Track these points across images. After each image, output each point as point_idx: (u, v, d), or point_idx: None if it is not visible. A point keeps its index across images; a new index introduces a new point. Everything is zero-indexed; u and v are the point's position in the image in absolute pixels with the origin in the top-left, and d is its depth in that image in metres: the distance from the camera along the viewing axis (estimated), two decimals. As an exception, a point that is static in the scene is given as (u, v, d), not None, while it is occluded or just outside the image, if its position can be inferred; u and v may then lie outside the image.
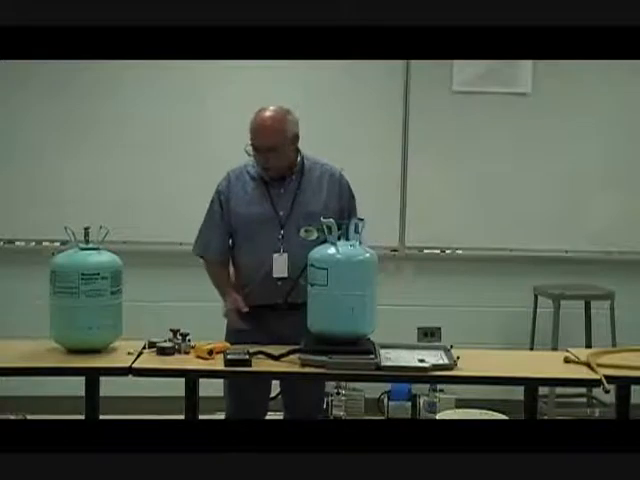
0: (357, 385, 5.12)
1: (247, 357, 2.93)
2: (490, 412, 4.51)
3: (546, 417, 4.76)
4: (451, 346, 3.08)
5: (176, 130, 5.05)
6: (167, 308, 4.97)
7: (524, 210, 5.16)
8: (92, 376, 2.98)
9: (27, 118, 5.02)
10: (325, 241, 3.07)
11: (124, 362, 2.96)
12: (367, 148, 5.09)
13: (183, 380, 3.02)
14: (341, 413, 5.07)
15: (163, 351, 3.05)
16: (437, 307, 5.17)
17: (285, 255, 3.29)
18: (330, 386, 5.06)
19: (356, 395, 5.16)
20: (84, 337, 3.02)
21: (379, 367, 2.90)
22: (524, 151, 5.16)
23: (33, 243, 5.15)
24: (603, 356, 3.08)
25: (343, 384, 5.08)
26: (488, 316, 5.18)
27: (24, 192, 5.06)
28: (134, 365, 2.95)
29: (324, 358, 2.91)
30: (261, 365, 2.96)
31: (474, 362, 3.00)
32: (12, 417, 4.54)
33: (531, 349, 4.99)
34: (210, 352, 3.01)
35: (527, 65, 5.09)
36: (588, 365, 2.97)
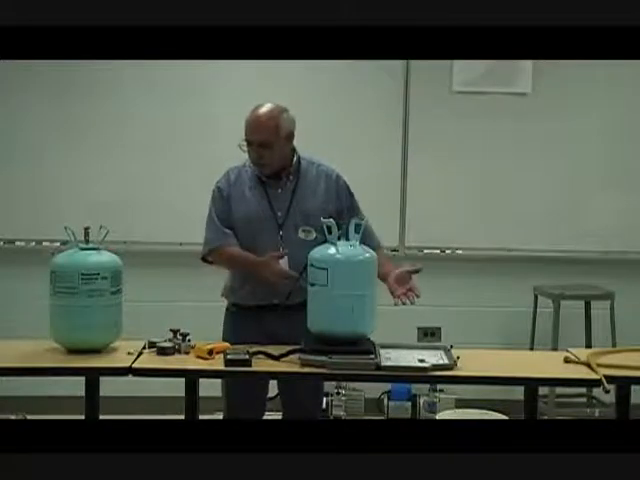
0: (357, 385, 5.12)
1: (247, 357, 2.93)
2: (490, 412, 4.51)
3: (546, 417, 4.76)
4: (451, 346, 3.08)
5: (176, 130, 5.05)
6: (167, 308, 4.97)
7: (524, 210, 5.17)
8: (92, 376, 2.98)
9: (27, 118, 5.03)
10: (325, 241, 3.07)
11: (124, 362, 2.96)
12: (367, 148, 5.10)
13: (183, 380, 3.02)
14: (341, 413, 5.07)
15: (163, 351, 3.05)
16: (437, 307, 5.17)
17: (285, 256, 3.29)
18: (330, 386, 5.06)
19: (356, 395, 5.16)
20: (84, 337, 3.02)
21: (379, 367, 2.90)
22: (524, 151, 5.16)
23: (33, 243, 5.15)
24: (603, 356, 3.08)
25: (343, 384, 5.08)
26: (488, 316, 5.18)
27: (24, 192, 5.06)
28: (134, 365, 2.94)
29: (324, 358, 2.91)
30: (261, 365, 2.96)
31: (474, 362, 3.00)
32: (12, 417, 4.54)
33: (531, 349, 4.99)
34: (210, 352, 3.00)
35: (527, 65, 5.09)
36: (588, 365, 2.97)
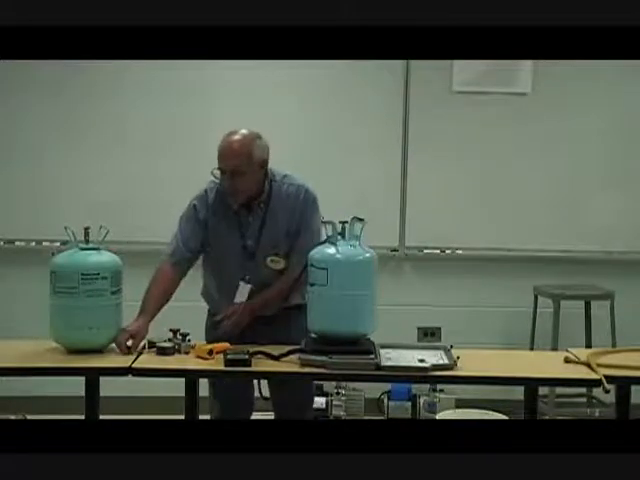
0: (357, 385, 5.12)
1: (247, 357, 2.93)
2: (490, 412, 4.51)
3: (546, 417, 4.76)
4: (451, 346, 3.08)
5: (176, 130, 5.05)
6: (167, 308, 4.96)
7: (524, 210, 5.17)
8: (92, 376, 2.98)
9: (27, 118, 5.03)
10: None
11: (124, 362, 2.96)
12: (367, 148, 5.10)
13: (183, 380, 3.02)
14: (341, 413, 5.07)
15: (163, 351, 3.05)
16: (437, 307, 5.18)
17: (249, 286, 3.28)
18: (330, 386, 5.07)
19: (356, 395, 5.16)
20: (84, 337, 3.02)
21: (379, 367, 2.90)
22: (524, 151, 5.16)
23: (33, 243, 5.15)
24: (603, 356, 3.08)
25: (343, 384, 5.07)
26: (488, 316, 5.18)
27: (24, 192, 5.06)
28: (134, 365, 2.95)
29: (324, 358, 2.91)
30: (261, 365, 2.96)
31: (474, 362, 3.00)
32: (12, 417, 4.54)
33: (531, 349, 4.99)
34: (210, 352, 3.01)
35: (527, 65, 5.09)
36: (588, 365, 2.97)
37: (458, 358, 2.95)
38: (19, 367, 2.98)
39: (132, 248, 4.56)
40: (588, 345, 4.88)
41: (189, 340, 3.10)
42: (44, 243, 5.08)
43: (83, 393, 3.00)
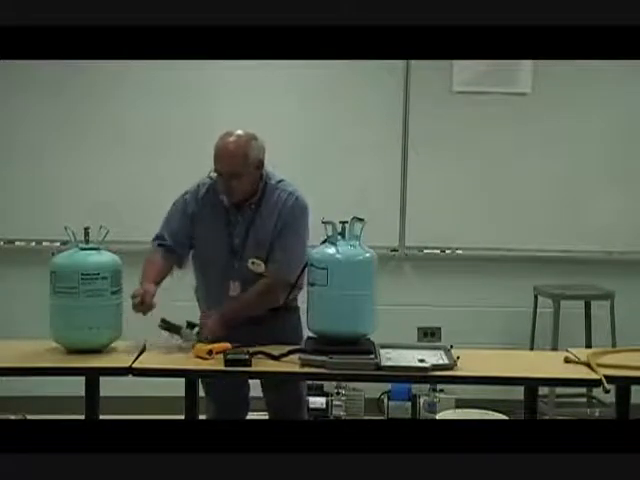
0: (357, 385, 5.12)
1: (247, 357, 2.93)
2: (490, 412, 4.51)
3: (546, 417, 4.76)
4: (451, 346, 3.08)
5: (176, 130, 5.05)
6: (167, 308, 4.96)
7: (524, 210, 5.17)
8: (92, 376, 2.98)
9: (27, 118, 5.03)
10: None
11: (124, 362, 2.96)
12: (367, 148, 5.10)
13: (183, 380, 3.02)
14: (341, 413, 5.07)
15: (168, 327, 3.08)
16: (437, 307, 5.18)
17: (237, 283, 3.28)
18: (330, 386, 5.07)
19: (356, 395, 5.16)
20: (84, 337, 3.02)
21: (379, 367, 2.90)
22: (524, 151, 5.16)
23: (33, 243, 5.15)
24: (603, 356, 3.08)
25: (343, 384, 5.07)
26: (488, 316, 5.18)
27: (24, 192, 5.06)
28: (134, 365, 2.95)
29: (324, 358, 2.91)
30: (261, 365, 2.96)
31: (474, 362, 3.00)
32: (12, 417, 4.54)
33: (531, 349, 4.99)
34: (210, 352, 3.01)
35: (527, 65, 5.09)
36: (588, 365, 2.97)
37: (458, 358, 2.95)
38: (19, 367, 2.98)
39: (132, 248, 4.55)
40: (588, 345, 4.87)
41: (197, 333, 3.10)
42: (44, 243, 5.08)
43: (83, 393, 3.00)
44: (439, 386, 5.04)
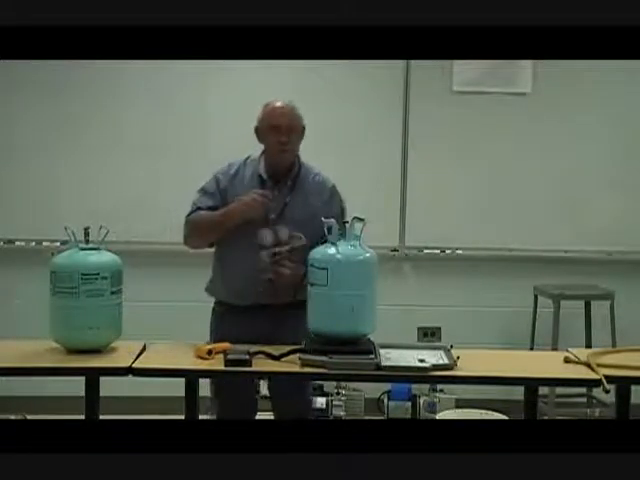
0: (357, 385, 5.12)
1: (247, 357, 2.93)
2: (490, 412, 4.51)
3: (546, 417, 4.76)
4: (451, 346, 3.08)
5: (176, 130, 5.06)
6: (167, 308, 4.98)
7: (524, 210, 5.17)
8: (92, 376, 2.97)
9: (27, 118, 5.03)
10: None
11: (124, 362, 2.96)
12: (367, 148, 5.10)
13: (183, 380, 3.02)
14: (341, 413, 5.07)
15: None
16: (437, 307, 5.18)
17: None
18: (330, 386, 5.07)
19: (356, 395, 5.16)
20: (84, 337, 3.02)
21: (379, 367, 2.90)
22: (524, 151, 5.17)
23: (33, 243, 5.15)
24: (603, 356, 3.08)
25: (343, 384, 5.08)
26: (488, 316, 5.18)
27: (24, 192, 5.06)
28: (134, 365, 2.94)
29: (324, 358, 2.91)
30: (261, 365, 2.96)
31: (474, 362, 3.00)
32: (12, 417, 4.54)
33: (531, 349, 4.99)
34: (210, 352, 3.00)
35: (527, 65, 5.09)
36: (588, 365, 2.97)
37: (458, 358, 2.95)
38: (19, 367, 2.98)
39: (132, 248, 4.57)
40: (588, 345, 4.88)
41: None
42: (44, 243, 5.08)
43: (83, 393, 3.00)
44: (439, 386, 5.05)
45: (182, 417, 3.01)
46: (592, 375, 2.90)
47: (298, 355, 2.95)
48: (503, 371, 2.99)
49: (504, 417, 4.42)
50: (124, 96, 5.06)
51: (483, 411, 4.54)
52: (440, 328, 5.12)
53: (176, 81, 5.01)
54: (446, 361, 2.97)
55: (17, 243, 5.18)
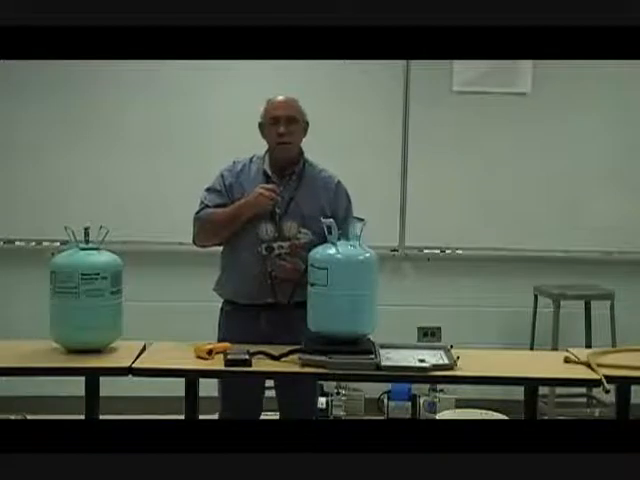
0: (357, 385, 5.12)
1: (247, 357, 2.93)
2: (490, 412, 4.51)
3: (546, 417, 4.76)
4: (451, 346, 3.08)
5: (176, 130, 5.06)
6: (167, 308, 4.98)
7: (524, 210, 5.17)
8: (92, 376, 2.98)
9: (27, 118, 5.03)
10: (321, 243, 3.07)
11: (124, 362, 2.96)
12: (367, 148, 5.10)
13: (183, 380, 3.02)
14: (341, 413, 5.07)
15: None
16: (437, 307, 5.18)
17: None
18: (330, 386, 5.07)
19: (356, 395, 5.17)
20: (84, 337, 3.01)
21: (379, 367, 2.90)
22: (524, 151, 5.17)
23: (33, 243, 5.15)
24: (603, 356, 3.08)
25: (343, 384, 5.08)
26: (488, 316, 5.19)
27: (24, 192, 5.06)
28: (134, 365, 2.94)
29: (324, 358, 2.91)
30: (261, 365, 2.96)
31: (474, 362, 3.00)
32: (12, 417, 4.54)
33: (531, 349, 4.99)
34: (210, 352, 3.00)
35: (527, 65, 5.09)
36: (588, 365, 2.97)
37: (458, 358, 2.95)
38: (19, 367, 2.97)
39: (132, 248, 4.56)
40: (588, 345, 4.88)
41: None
42: (44, 243, 5.08)
43: (83, 393, 3.00)
44: (439, 386, 5.05)
45: (182, 417, 3.02)
46: (592, 375, 2.90)
47: (298, 355, 2.95)
48: (503, 371, 2.99)
49: (504, 417, 4.41)
50: (124, 96, 5.06)
51: (483, 411, 4.54)
52: (440, 328, 5.12)
53: (177, 80, 5.01)
54: (446, 361, 2.97)
55: (17, 243, 5.18)
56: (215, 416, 3.48)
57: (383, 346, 3.07)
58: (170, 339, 3.25)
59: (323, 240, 3.09)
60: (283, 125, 3.31)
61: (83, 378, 2.97)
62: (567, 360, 3.06)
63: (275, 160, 3.38)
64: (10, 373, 3.04)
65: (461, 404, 4.95)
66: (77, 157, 5.05)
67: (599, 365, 2.95)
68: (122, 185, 5.04)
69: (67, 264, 3.03)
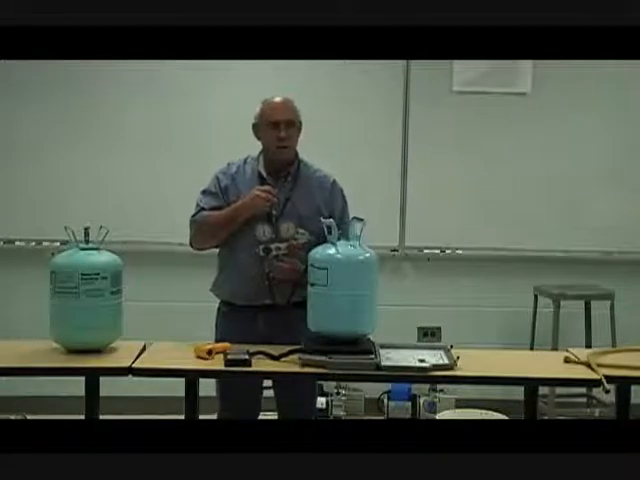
0: (357, 385, 5.12)
1: (247, 357, 2.93)
2: (490, 412, 4.51)
3: (546, 417, 4.76)
4: (451, 346, 3.08)
5: (176, 130, 5.06)
6: (167, 308, 4.98)
7: (524, 210, 5.17)
8: (92, 376, 2.98)
9: (27, 118, 5.03)
10: (320, 243, 3.07)
11: (124, 362, 2.96)
12: (367, 148, 5.10)
13: (183, 380, 3.02)
14: (341, 413, 5.07)
15: None
16: (437, 307, 5.18)
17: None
18: (330, 386, 5.07)
19: (356, 395, 5.16)
20: (84, 337, 3.02)
21: (379, 367, 2.90)
22: (524, 151, 5.17)
23: (33, 243, 5.15)
24: (603, 356, 3.08)
25: (343, 384, 5.08)
26: (488, 316, 5.19)
27: (24, 192, 5.06)
28: (134, 365, 2.94)
29: (324, 358, 2.91)
30: (261, 365, 2.96)
31: (474, 362, 3.00)
32: (12, 417, 4.54)
33: (531, 349, 4.99)
34: (210, 352, 3.00)
35: (527, 65, 5.09)
36: (588, 365, 2.97)
37: (458, 358, 2.95)
38: (19, 367, 2.98)
39: (132, 248, 4.56)
40: (588, 345, 4.88)
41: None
42: (44, 243, 5.08)
43: (83, 393, 3.00)
44: (439, 386, 5.05)
45: (182, 417, 3.02)
46: (592, 375, 2.90)
47: (298, 355, 2.95)
48: (503, 371, 2.99)
49: (504, 417, 4.42)
50: (124, 96, 5.06)
51: (483, 411, 4.54)
52: (440, 328, 5.12)
53: (177, 80, 5.01)
54: (446, 361, 2.97)
55: (17, 243, 5.18)
56: (215, 416, 3.48)
57: (383, 346, 3.07)
58: (170, 339, 3.25)
59: (321, 240, 3.09)
60: (284, 130, 3.31)
61: (83, 378, 2.98)
62: (567, 360, 3.06)
63: (272, 162, 3.37)
64: (10, 373, 3.04)
65: (461, 404, 4.95)
66: (77, 157, 5.05)
67: (599, 365, 2.95)
68: (122, 185, 5.04)
69: (67, 264, 3.03)
